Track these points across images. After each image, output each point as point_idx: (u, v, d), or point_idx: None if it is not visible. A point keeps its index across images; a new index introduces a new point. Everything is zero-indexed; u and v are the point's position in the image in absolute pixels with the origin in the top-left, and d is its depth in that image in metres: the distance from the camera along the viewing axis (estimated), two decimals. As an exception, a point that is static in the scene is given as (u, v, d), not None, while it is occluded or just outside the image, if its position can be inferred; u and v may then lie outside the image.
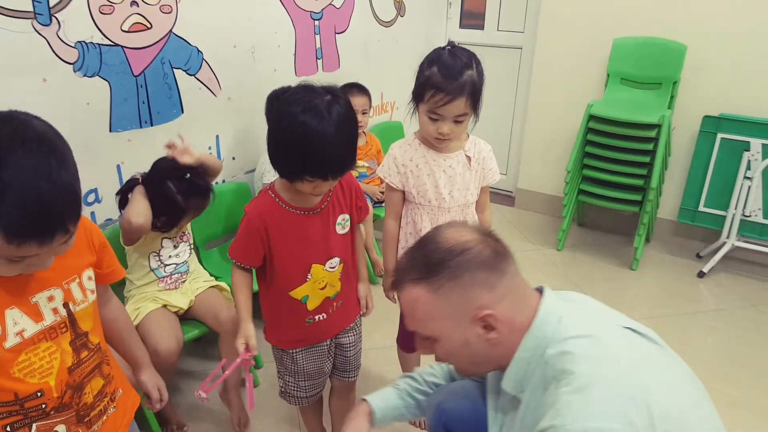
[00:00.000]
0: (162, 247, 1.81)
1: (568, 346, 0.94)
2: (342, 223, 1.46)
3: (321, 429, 1.76)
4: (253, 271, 1.46)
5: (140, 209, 1.63)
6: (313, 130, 1.21)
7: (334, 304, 1.50)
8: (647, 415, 0.86)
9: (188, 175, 1.71)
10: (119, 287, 1.84)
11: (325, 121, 1.22)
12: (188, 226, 1.91)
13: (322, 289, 1.45)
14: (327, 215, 1.42)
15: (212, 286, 1.91)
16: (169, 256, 1.82)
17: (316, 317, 1.48)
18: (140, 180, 1.72)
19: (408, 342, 1.87)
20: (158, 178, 1.70)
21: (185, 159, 1.69)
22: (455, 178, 1.61)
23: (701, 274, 2.86)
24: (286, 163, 1.29)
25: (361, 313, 1.62)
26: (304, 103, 1.23)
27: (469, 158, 1.62)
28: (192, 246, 1.92)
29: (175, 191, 1.69)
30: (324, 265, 1.43)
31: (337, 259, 1.45)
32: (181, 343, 1.72)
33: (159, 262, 1.81)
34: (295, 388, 1.56)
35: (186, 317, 1.86)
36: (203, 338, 2.08)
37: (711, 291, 2.78)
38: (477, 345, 1.01)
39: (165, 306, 1.79)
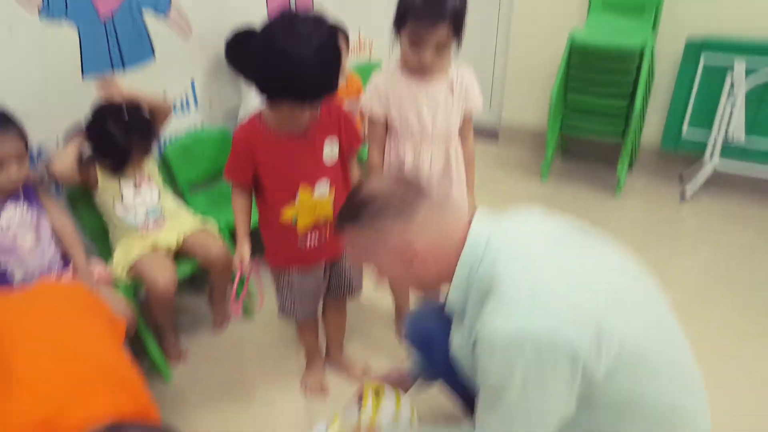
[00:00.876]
0: (122, 192, 1.81)
1: (495, 265, 1.02)
2: (330, 150, 1.49)
3: (316, 346, 1.85)
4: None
5: (62, 157, 1.69)
6: (291, 53, 1.24)
7: (327, 229, 1.54)
8: (574, 310, 0.95)
9: (125, 113, 1.73)
10: (104, 235, 1.88)
11: (303, 45, 1.24)
12: (153, 168, 1.91)
13: (311, 212, 1.50)
14: (313, 140, 1.46)
15: (201, 227, 1.94)
16: (134, 201, 1.83)
17: (308, 241, 1.53)
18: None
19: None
20: (97, 120, 1.72)
21: (112, 92, 1.72)
22: (438, 106, 1.61)
23: (683, 198, 2.91)
24: (266, 86, 1.33)
25: None
26: (285, 27, 1.26)
27: (451, 85, 1.61)
28: (160, 190, 1.91)
29: (114, 130, 1.71)
30: (312, 190, 1.47)
31: (326, 186, 1.49)
32: (176, 279, 1.77)
33: (125, 210, 1.81)
34: (292, 307, 1.64)
35: (178, 254, 1.89)
36: (198, 276, 2.14)
37: (693, 214, 2.84)
38: (409, 274, 1.13)
39: (155, 246, 1.82)
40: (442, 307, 1.24)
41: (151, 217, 1.86)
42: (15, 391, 1.01)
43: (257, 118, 1.44)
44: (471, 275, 1.06)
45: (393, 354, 1.94)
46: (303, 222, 1.51)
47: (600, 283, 1.01)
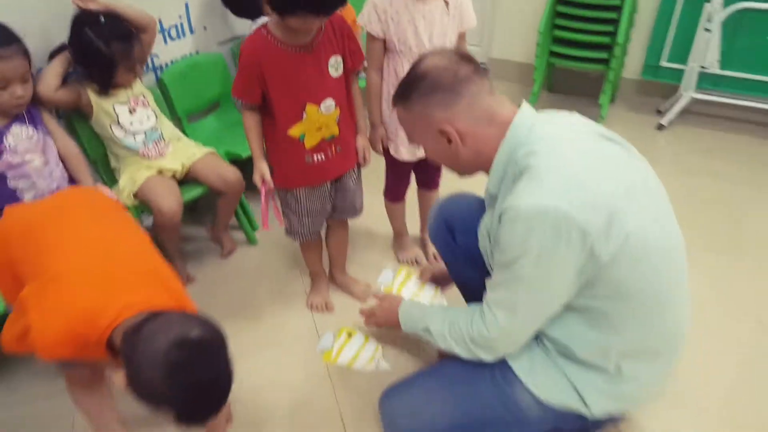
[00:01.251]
0: (117, 113, 1.81)
1: (534, 146, 1.10)
2: (335, 66, 1.51)
3: (320, 266, 1.92)
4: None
5: (46, 77, 1.68)
6: None
7: (333, 147, 1.59)
8: (593, 198, 1.04)
9: (103, 19, 1.71)
10: (106, 164, 1.89)
11: None
12: (146, 92, 1.90)
13: (318, 129, 1.54)
14: (319, 55, 1.48)
15: (209, 153, 1.97)
16: (131, 123, 1.83)
17: (315, 157, 1.58)
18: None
19: (393, 193, 2.01)
20: (76, 29, 1.70)
21: (88, 4, 1.70)
22: (434, 23, 1.65)
23: (661, 127, 3.03)
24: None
25: (359, 163, 1.72)
26: None
27: (447, 3, 1.65)
28: (157, 114, 1.91)
29: (93, 36, 1.69)
30: (319, 105, 1.51)
31: (331, 102, 1.52)
32: (182, 203, 1.80)
33: (123, 131, 1.82)
34: (299, 226, 1.70)
35: (183, 181, 1.92)
36: (198, 206, 2.18)
37: (669, 142, 2.97)
38: (448, 153, 1.20)
39: (160, 172, 1.85)
40: (466, 198, 1.32)
41: (150, 139, 1.87)
42: (54, 288, 1.05)
43: (263, 30, 1.44)
44: (511, 158, 1.13)
45: (377, 281, 2.03)
46: (310, 139, 1.55)
47: (621, 179, 1.10)
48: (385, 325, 1.51)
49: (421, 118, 1.18)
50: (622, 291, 1.12)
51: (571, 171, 1.06)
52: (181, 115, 2.13)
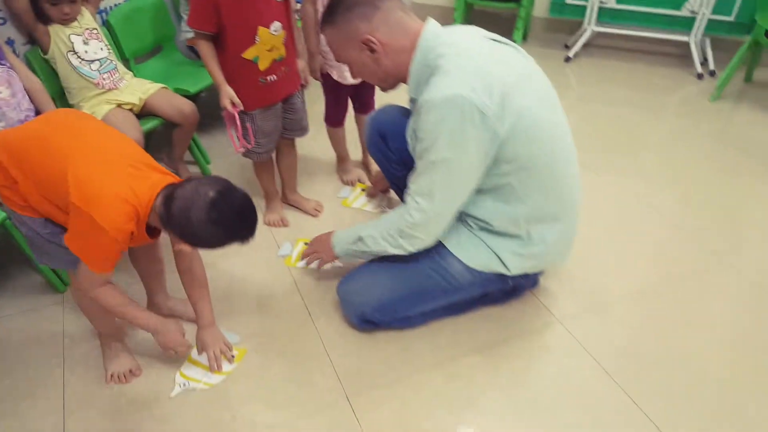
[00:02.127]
0: (72, 43, 1.93)
1: (442, 50, 1.34)
2: None
3: (274, 186, 2.13)
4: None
5: None
6: None
7: (282, 68, 1.79)
8: (489, 84, 1.29)
9: None
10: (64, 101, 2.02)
11: None
12: (93, 23, 2.01)
13: (269, 50, 1.73)
14: None
15: (161, 88, 2.11)
16: (86, 52, 1.96)
17: (268, 78, 1.77)
18: None
19: (333, 119, 2.23)
20: None
21: None
22: None
23: (568, 59, 3.39)
24: None
25: (303, 84, 1.93)
26: None
27: None
28: (108, 46, 2.04)
29: None
30: (269, 27, 1.70)
31: (278, 24, 1.72)
32: (143, 134, 1.97)
33: (79, 60, 1.95)
34: (256, 146, 1.90)
35: (139, 116, 2.06)
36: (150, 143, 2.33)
37: (575, 73, 3.34)
38: (372, 67, 1.41)
39: (119, 105, 1.99)
40: (395, 108, 1.55)
41: (106, 69, 2.00)
42: (92, 189, 1.18)
43: None
44: (423, 63, 1.36)
45: (336, 197, 2.29)
46: (263, 61, 1.73)
47: (512, 70, 1.37)
48: (326, 260, 1.72)
49: (346, 33, 1.37)
50: (522, 164, 1.39)
51: (472, 65, 1.31)
52: (129, 56, 2.25)
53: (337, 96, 2.15)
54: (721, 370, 1.57)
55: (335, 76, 2.03)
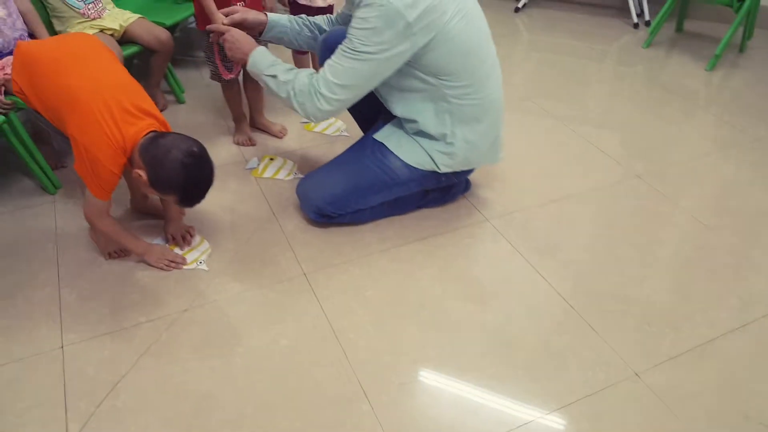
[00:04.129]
0: None
1: None
2: None
3: (241, 109, 2.35)
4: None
5: None
6: None
7: None
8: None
9: None
10: (52, 31, 2.22)
11: None
12: None
13: None
14: None
15: (140, 18, 2.31)
16: None
17: (239, 4, 1.99)
18: None
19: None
20: None
21: None
22: None
23: (517, 10, 3.66)
24: None
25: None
26: None
27: None
28: None
29: None
30: None
31: None
32: (124, 58, 2.18)
33: None
34: (223, 69, 2.11)
35: (120, 42, 2.27)
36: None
37: (524, 23, 3.61)
38: None
39: (102, 31, 2.20)
40: (341, 28, 1.79)
41: (91, 1, 2.19)
42: (92, 127, 1.47)
43: None
44: None
45: (298, 120, 2.54)
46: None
47: None
48: (236, 52, 1.79)
49: None
50: (442, 69, 1.65)
51: None
52: (109, -9, 2.44)
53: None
54: (628, 257, 1.90)
55: (304, 0, 2.24)
